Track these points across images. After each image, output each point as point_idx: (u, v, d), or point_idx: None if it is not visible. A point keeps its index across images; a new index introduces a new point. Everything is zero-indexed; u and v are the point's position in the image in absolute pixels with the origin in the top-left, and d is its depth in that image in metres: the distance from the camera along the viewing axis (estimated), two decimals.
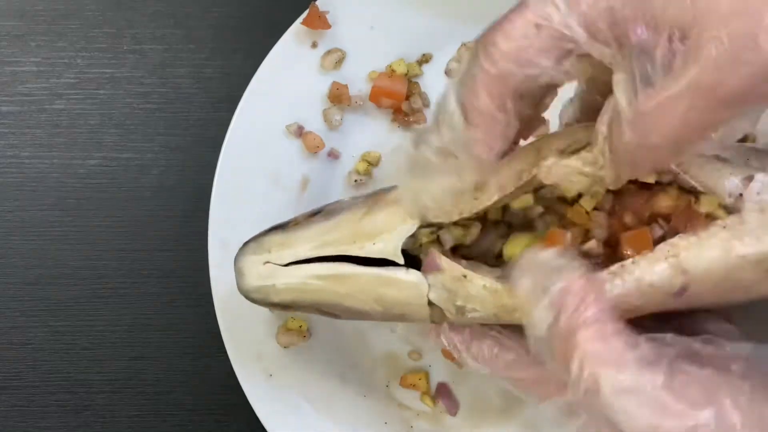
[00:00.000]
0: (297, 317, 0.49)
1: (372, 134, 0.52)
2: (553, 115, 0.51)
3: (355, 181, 0.51)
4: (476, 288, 0.36)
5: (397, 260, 0.38)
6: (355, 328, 0.51)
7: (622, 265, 0.35)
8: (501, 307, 0.36)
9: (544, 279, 0.32)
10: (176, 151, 0.56)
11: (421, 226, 0.39)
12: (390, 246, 0.38)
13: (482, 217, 0.39)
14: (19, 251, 0.55)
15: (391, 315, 0.39)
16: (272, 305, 0.41)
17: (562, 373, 0.31)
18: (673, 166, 0.36)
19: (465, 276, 0.37)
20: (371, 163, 0.51)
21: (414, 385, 0.49)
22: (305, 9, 0.51)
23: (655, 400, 0.29)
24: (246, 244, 0.42)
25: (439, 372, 0.50)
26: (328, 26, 0.51)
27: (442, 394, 0.49)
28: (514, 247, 0.39)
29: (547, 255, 0.33)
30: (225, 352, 0.49)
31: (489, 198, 0.38)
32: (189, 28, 0.57)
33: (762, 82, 0.27)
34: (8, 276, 0.55)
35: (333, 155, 0.52)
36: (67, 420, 0.54)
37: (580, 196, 0.38)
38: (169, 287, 0.54)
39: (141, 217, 0.55)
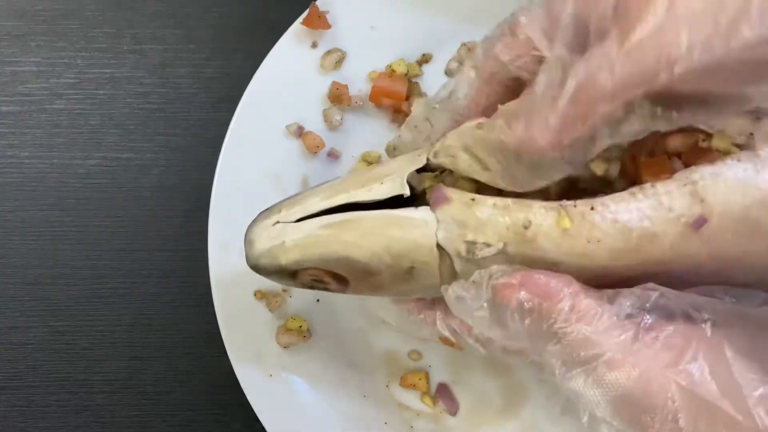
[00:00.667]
0: (297, 317, 0.49)
1: (372, 134, 0.52)
2: None
3: None
4: (486, 209, 0.35)
5: (403, 192, 0.37)
6: (355, 327, 0.51)
7: (641, 187, 0.34)
8: (514, 225, 0.35)
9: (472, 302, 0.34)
10: (176, 151, 0.56)
11: (425, 168, 0.38)
12: (397, 182, 0.38)
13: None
14: (19, 251, 0.55)
15: (401, 271, 0.37)
16: (280, 271, 0.39)
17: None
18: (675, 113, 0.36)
19: (473, 199, 0.36)
20: (371, 163, 0.51)
21: (414, 385, 0.49)
22: (305, 9, 0.51)
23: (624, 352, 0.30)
24: (257, 216, 0.41)
25: (439, 372, 0.50)
26: (328, 26, 0.51)
27: (442, 394, 0.49)
28: None
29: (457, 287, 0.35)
30: (225, 352, 0.49)
31: None
32: (189, 28, 0.57)
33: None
34: (8, 276, 0.55)
35: (333, 155, 0.52)
36: (67, 420, 0.54)
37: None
38: (169, 287, 0.54)
39: (141, 217, 0.55)
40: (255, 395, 0.48)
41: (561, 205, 0.34)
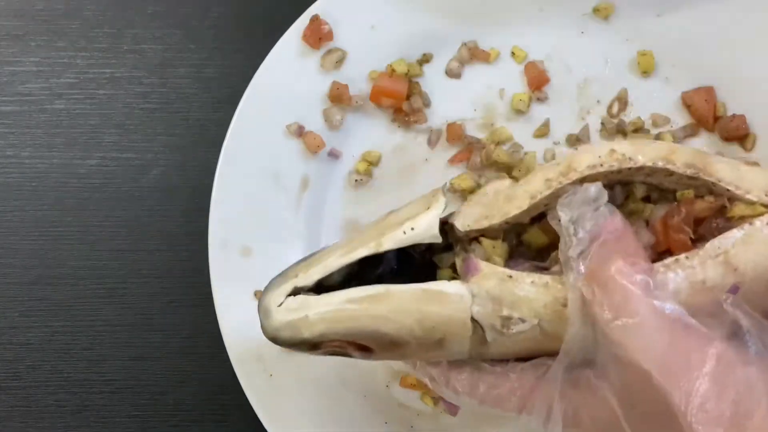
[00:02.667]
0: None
1: (373, 134, 0.52)
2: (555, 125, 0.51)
3: (356, 180, 0.51)
4: (524, 287, 0.35)
5: (434, 240, 0.37)
6: None
7: (677, 260, 0.35)
8: (552, 302, 0.35)
9: (586, 213, 0.35)
10: (176, 151, 0.56)
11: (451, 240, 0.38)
12: (422, 226, 0.37)
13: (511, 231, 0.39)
14: (19, 251, 0.55)
15: (431, 342, 0.37)
16: (301, 343, 0.37)
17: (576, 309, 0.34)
18: (705, 176, 0.37)
19: (510, 276, 0.36)
20: (372, 162, 0.51)
21: (414, 385, 0.49)
22: (305, 9, 0.51)
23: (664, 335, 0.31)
24: (269, 283, 0.39)
25: None
26: (330, 39, 0.51)
27: None
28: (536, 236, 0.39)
29: (592, 190, 0.35)
30: (225, 352, 0.49)
31: (519, 206, 0.38)
32: (189, 28, 0.57)
33: None
34: (8, 276, 0.55)
35: (333, 155, 0.52)
36: (67, 420, 0.53)
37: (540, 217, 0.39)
38: (169, 287, 0.54)
39: (141, 217, 0.55)
40: (255, 395, 0.48)
41: None
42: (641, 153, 0.38)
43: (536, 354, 0.37)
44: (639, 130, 0.50)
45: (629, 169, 0.38)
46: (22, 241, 0.55)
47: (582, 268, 0.33)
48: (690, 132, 0.49)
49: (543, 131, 0.50)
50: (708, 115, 0.48)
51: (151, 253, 0.55)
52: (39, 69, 0.57)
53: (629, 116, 0.50)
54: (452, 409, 0.49)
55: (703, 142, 0.49)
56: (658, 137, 0.49)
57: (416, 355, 0.38)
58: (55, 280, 0.55)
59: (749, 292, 0.34)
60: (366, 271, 0.38)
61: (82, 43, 0.57)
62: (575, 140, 0.50)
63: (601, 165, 0.37)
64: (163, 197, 0.55)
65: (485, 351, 0.37)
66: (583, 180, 0.37)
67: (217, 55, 0.57)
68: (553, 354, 0.35)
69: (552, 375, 0.35)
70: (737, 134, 0.48)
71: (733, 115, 0.48)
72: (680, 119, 0.50)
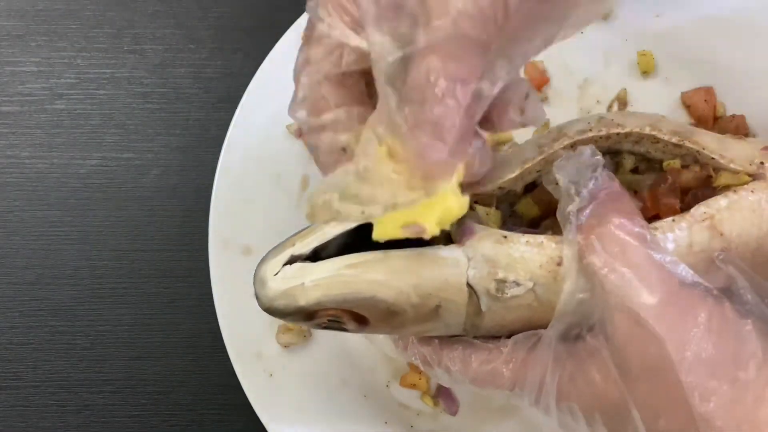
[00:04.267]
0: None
1: None
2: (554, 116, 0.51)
3: None
4: (519, 247, 0.35)
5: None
6: None
7: (664, 222, 0.35)
8: (547, 262, 0.35)
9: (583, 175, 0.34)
10: (176, 151, 0.56)
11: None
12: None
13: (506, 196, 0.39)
14: (19, 251, 0.55)
15: (427, 310, 0.36)
16: (296, 312, 0.37)
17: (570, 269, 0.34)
18: (690, 144, 0.38)
19: (505, 237, 0.35)
20: None
21: (414, 385, 0.49)
22: (305, 9, 0.51)
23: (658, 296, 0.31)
24: (265, 255, 0.38)
25: None
26: None
27: (443, 393, 0.49)
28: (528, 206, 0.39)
29: (586, 153, 0.35)
30: (225, 352, 0.49)
31: (511, 171, 0.38)
32: (189, 28, 0.57)
33: None
34: (8, 276, 0.55)
35: None
36: (67, 420, 0.54)
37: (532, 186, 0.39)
38: (169, 287, 0.54)
39: (141, 217, 0.55)
40: (255, 395, 0.48)
41: None
42: (629, 120, 0.39)
43: (531, 328, 0.37)
44: None
45: (617, 134, 0.39)
46: (22, 241, 0.55)
47: (582, 221, 0.33)
48: None
49: (543, 131, 0.51)
50: (708, 116, 0.49)
51: (151, 253, 0.55)
52: (39, 69, 0.57)
53: None
54: (452, 409, 0.49)
55: None
56: None
57: (412, 326, 0.37)
58: (55, 280, 0.55)
59: None
60: (364, 245, 0.38)
61: (82, 43, 0.57)
62: None
63: (590, 130, 0.38)
64: (163, 197, 0.55)
65: (480, 323, 0.37)
66: (573, 145, 0.38)
67: (217, 55, 0.57)
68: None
69: (545, 341, 0.35)
70: (737, 134, 0.48)
71: (733, 116, 0.48)
72: (680, 119, 0.50)
